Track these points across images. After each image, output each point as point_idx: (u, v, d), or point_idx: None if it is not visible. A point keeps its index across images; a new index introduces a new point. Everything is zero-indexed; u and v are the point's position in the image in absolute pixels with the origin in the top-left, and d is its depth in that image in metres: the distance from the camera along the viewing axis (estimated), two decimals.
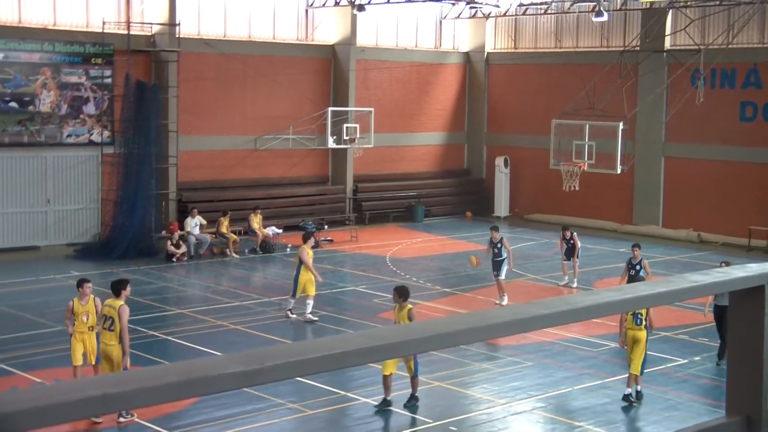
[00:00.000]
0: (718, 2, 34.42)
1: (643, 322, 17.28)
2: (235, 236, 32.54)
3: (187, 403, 16.04)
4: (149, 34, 34.46)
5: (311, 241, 23.76)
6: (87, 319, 16.41)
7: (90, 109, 32.88)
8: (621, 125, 31.83)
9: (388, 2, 37.85)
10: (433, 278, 29.02)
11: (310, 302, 22.88)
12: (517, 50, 43.33)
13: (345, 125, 38.32)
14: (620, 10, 38.36)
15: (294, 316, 23.20)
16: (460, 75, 44.29)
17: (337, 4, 38.28)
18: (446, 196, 42.94)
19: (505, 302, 24.86)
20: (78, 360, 16.39)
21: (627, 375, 17.63)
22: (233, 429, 15.62)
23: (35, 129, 31.81)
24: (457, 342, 2.43)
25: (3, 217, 31.71)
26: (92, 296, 16.60)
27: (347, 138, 38.33)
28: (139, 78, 33.39)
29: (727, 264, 17.41)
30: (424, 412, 16.79)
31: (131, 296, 25.10)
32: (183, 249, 31.25)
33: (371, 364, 16.27)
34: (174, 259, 30.87)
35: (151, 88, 33.26)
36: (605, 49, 39.44)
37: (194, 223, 31.95)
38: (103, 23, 32.77)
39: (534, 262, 31.64)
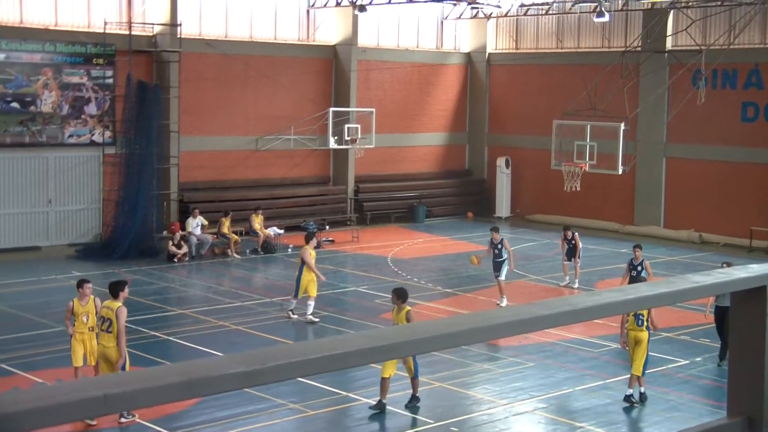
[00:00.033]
0: (719, 3, 34.41)
1: (645, 323, 17.28)
2: (236, 237, 32.54)
3: (188, 404, 16.04)
4: (151, 34, 34.47)
5: (313, 242, 23.77)
6: (87, 320, 16.39)
7: (91, 109, 32.90)
8: (622, 126, 31.82)
9: (390, 3, 37.85)
10: (434, 279, 29.02)
11: (311, 303, 22.88)
12: (518, 51, 43.33)
13: (346, 126, 38.33)
14: (621, 10, 38.35)
15: (295, 316, 23.21)
16: (462, 75, 44.29)
17: (338, 4, 38.29)
18: (447, 197, 42.94)
19: (504, 303, 24.85)
20: (78, 361, 16.37)
21: (628, 376, 17.62)
22: (234, 429, 15.62)
23: (37, 129, 31.83)
24: (458, 343, 2.43)
25: (4, 218, 31.72)
26: (92, 297, 16.57)
27: (348, 138, 38.33)
28: (141, 78, 33.40)
29: (729, 265, 17.41)
30: (425, 413, 16.79)
31: (132, 296, 25.15)
32: (184, 249, 31.26)
33: (372, 365, 16.27)
34: (175, 260, 30.87)
35: (153, 88, 33.27)
36: (606, 49, 39.44)
37: (195, 224, 31.95)
38: (105, 23, 32.79)
39: (535, 263, 31.64)
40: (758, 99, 35.76)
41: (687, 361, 20.33)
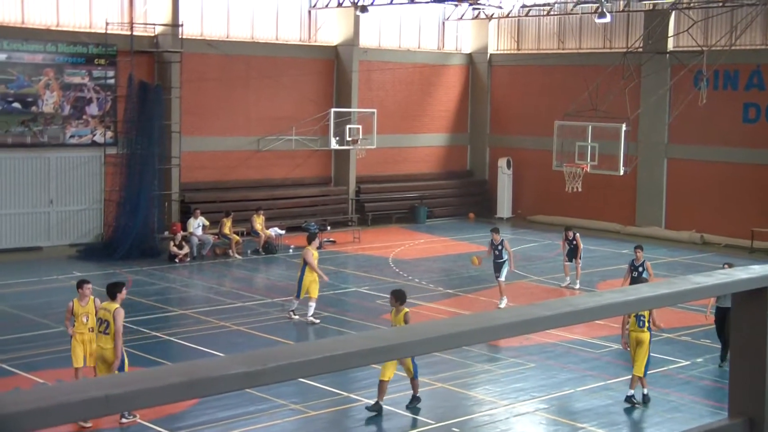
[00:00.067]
0: (721, 4, 34.40)
1: (646, 324, 17.27)
2: (237, 237, 32.55)
3: (189, 404, 16.05)
4: (152, 34, 34.48)
5: (316, 242, 23.76)
6: (87, 321, 16.36)
7: (93, 109, 32.91)
8: (624, 127, 31.81)
9: (391, 3, 37.85)
10: (435, 279, 29.01)
11: (312, 304, 22.87)
12: (519, 51, 43.32)
13: (348, 126, 38.34)
14: (623, 11, 38.35)
15: (297, 317, 23.21)
16: (463, 76, 44.29)
17: (340, 5, 38.29)
18: (449, 198, 42.94)
19: (503, 305, 24.84)
20: (79, 362, 16.35)
21: (629, 377, 17.62)
22: (236, 430, 15.61)
23: (38, 130, 31.84)
24: (459, 343, 2.43)
25: (6, 218, 31.73)
26: (92, 297, 16.52)
27: (350, 139, 38.34)
28: (142, 79, 33.41)
29: (730, 265, 17.42)
30: (426, 413, 16.78)
31: (134, 297, 25.18)
32: (186, 250, 31.26)
33: (373, 366, 16.26)
34: (176, 260, 30.88)
35: (154, 88, 33.28)
36: (608, 50, 39.44)
37: (197, 224, 31.96)
38: (106, 24, 32.80)
39: (536, 264, 31.63)
40: (760, 100, 35.75)
41: (688, 362, 20.33)
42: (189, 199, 34.80)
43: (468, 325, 2.43)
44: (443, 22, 43.62)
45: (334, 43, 39.68)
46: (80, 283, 16.80)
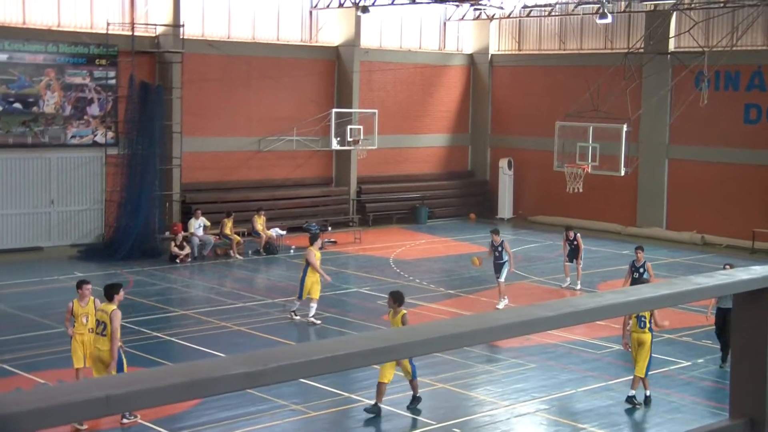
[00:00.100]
0: (722, 4, 34.40)
1: (647, 325, 17.27)
2: (238, 237, 32.55)
3: (190, 405, 16.05)
4: (153, 35, 34.48)
5: (318, 243, 23.76)
6: (87, 321, 16.34)
7: (94, 110, 32.92)
8: (625, 127, 31.81)
9: (392, 4, 37.84)
10: (436, 280, 29.01)
11: (314, 305, 22.88)
12: (521, 52, 43.32)
13: (349, 127, 38.35)
14: (624, 12, 38.34)
15: (298, 317, 23.22)
16: (464, 77, 44.30)
17: (341, 5, 38.29)
18: (450, 198, 42.94)
19: (501, 306, 24.84)
20: (79, 362, 16.32)
21: (630, 377, 17.62)
22: (237, 430, 15.62)
23: (39, 130, 31.85)
24: (460, 344, 2.43)
25: (7, 218, 31.74)
26: (92, 298, 16.49)
27: (351, 139, 38.35)
28: (143, 79, 33.42)
29: (731, 266, 17.41)
30: (427, 414, 16.78)
31: (135, 297, 25.20)
32: (187, 250, 31.26)
33: (374, 366, 16.26)
34: (177, 261, 30.88)
35: (155, 89, 33.29)
36: (609, 51, 39.43)
37: (198, 225, 31.97)
38: (108, 24, 32.80)
39: (537, 264, 31.63)
40: (761, 101, 35.74)
41: (689, 363, 20.33)
42: (190, 200, 34.81)
43: (469, 325, 2.43)
44: (444, 23, 43.62)
45: (336, 44, 39.68)
46: (80, 284, 16.78)
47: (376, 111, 39.13)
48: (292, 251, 32.93)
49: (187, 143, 34.74)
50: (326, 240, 34.03)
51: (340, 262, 31.78)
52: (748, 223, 35.11)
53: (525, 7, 40.77)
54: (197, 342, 21.19)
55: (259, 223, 33.22)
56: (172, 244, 31.34)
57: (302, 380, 16.15)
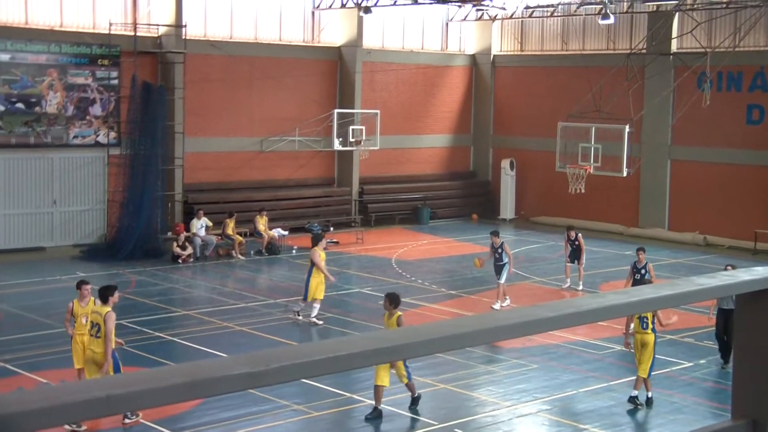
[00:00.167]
0: (724, 5, 34.38)
1: (650, 326, 17.25)
2: (240, 238, 32.55)
3: (192, 405, 16.05)
4: (156, 35, 34.50)
5: (323, 243, 23.75)
6: (86, 321, 16.32)
7: (96, 110, 32.93)
8: (627, 128, 31.81)
9: (395, 4, 37.85)
10: (438, 280, 29.01)
11: (317, 306, 22.89)
12: (523, 53, 43.32)
13: (351, 127, 38.35)
14: (627, 12, 38.33)
15: (301, 317, 23.22)
16: (467, 77, 44.29)
17: (343, 6, 38.29)
18: (452, 199, 42.94)
19: (497, 306, 24.83)
20: (80, 362, 16.28)
21: (632, 378, 17.61)
22: (238, 430, 15.62)
23: (42, 130, 31.86)
24: (462, 344, 2.43)
25: (9, 218, 31.76)
26: (92, 298, 16.45)
27: (353, 140, 38.35)
28: (146, 79, 33.44)
29: (733, 267, 17.40)
30: (429, 414, 16.78)
31: (137, 297, 25.24)
32: (189, 250, 31.27)
33: (375, 367, 16.25)
34: (180, 261, 30.89)
35: (158, 89, 33.31)
36: (612, 51, 39.40)
37: (200, 225, 31.97)
38: (110, 24, 32.82)
39: (539, 265, 31.63)
40: (763, 101, 35.73)
41: (691, 364, 20.31)
42: (192, 200, 34.82)
43: (471, 326, 2.42)
44: (446, 23, 43.62)
45: (338, 44, 39.68)
46: (79, 284, 16.76)
47: (378, 111, 39.13)
48: (294, 252, 32.94)
49: (190, 143, 34.75)
50: (329, 240, 34.04)
51: (342, 262, 31.77)
52: (750, 224, 35.10)
53: (527, 7, 40.77)
54: (199, 342, 21.20)
55: (262, 223, 33.22)
56: (175, 244, 31.35)
57: (304, 380, 16.14)
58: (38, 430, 1.86)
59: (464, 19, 43.26)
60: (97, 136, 33.04)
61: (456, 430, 16.07)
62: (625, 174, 32.46)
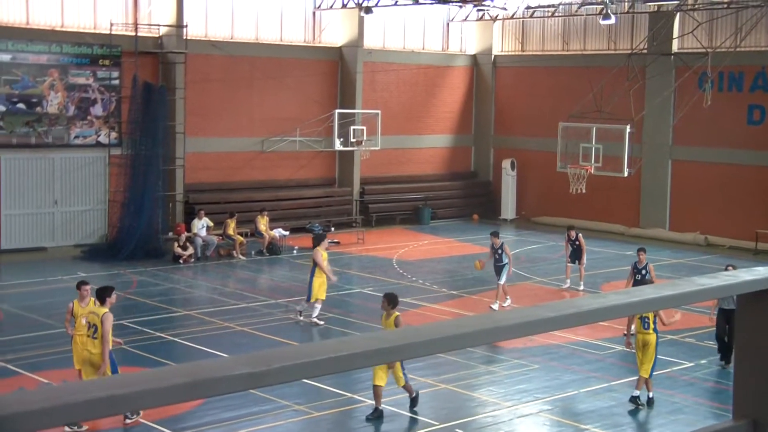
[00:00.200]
0: (725, 5, 34.38)
1: (651, 326, 17.24)
2: (241, 238, 32.55)
3: (193, 405, 16.05)
4: (157, 35, 34.51)
5: (325, 243, 23.73)
6: (86, 322, 16.31)
7: (97, 110, 32.94)
8: (628, 128, 31.80)
9: (396, 4, 37.86)
10: (439, 281, 29.01)
11: (318, 306, 22.89)
12: (524, 53, 43.32)
13: (352, 127, 38.35)
14: (628, 13, 38.33)
15: (302, 318, 23.23)
16: (468, 77, 44.29)
17: (344, 6, 38.29)
18: (453, 199, 42.94)
19: (496, 306, 24.83)
20: (80, 363, 16.31)
21: (633, 378, 17.60)
22: (240, 430, 15.62)
23: (43, 130, 31.87)
24: (464, 344, 2.43)
25: (11, 218, 31.76)
26: (92, 298, 16.45)
27: (354, 140, 38.35)
28: (147, 79, 33.44)
29: (734, 267, 17.39)
30: (429, 415, 16.77)
31: (138, 297, 25.25)
32: (190, 251, 31.27)
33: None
34: (181, 261, 30.89)
35: (159, 89, 33.32)
36: (613, 52, 39.39)
37: (201, 225, 31.97)
38: (111, 25, 32.83)
39: (540, 265, 31.63)
40: (764, 102, 35.72)
41: (692, 364, 20.31)
42: (193, 200, 34.83)
43: (472, 326, 2.42)
44: (447, 24, 43.62)
45: (339, 44, 39.69)
46: (79, 284, 16.76)
47: (379, 112, 39.14)
48: (295, 252, 32.94)
49: (190, 144, 34.76)
50: (329, 240, 34.03)
51: (343, 262, 31.77)
52: (751, 224, 35.09)
53: (528, 7, 40.77)
54: (200, 342, 21.20)
55: (262, 223, 33.22)
56: (175, 244, 31.35)
57: (305, 381, 16.15)
58: (39, 430, 1.86)
59: (465, 20, 43.26)
60: (98, 136, 33.05)
61: (457, 430, 16.07)
62: (626, 174, 32.46)
